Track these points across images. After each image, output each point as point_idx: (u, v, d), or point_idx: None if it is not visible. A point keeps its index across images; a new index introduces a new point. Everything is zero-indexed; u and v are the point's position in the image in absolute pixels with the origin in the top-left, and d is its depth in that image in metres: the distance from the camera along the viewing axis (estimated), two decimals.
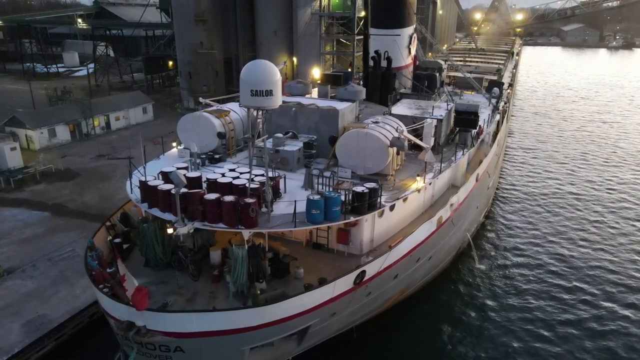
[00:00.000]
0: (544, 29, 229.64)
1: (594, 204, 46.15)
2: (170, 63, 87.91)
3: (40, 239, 35.02)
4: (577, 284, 32.04)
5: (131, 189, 21.29)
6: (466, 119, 30.26)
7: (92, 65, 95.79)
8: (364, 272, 19.74)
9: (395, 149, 23.09)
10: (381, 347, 25.76)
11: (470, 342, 26.61)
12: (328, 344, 23.40)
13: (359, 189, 19.96)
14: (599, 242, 38.34)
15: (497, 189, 47.53)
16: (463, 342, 26.56)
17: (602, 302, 30.18)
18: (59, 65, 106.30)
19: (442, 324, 27.89)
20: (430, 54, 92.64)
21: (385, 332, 26.54)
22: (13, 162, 47.16)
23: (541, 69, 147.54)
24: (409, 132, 25.92)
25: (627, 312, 29.25)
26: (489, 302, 30.04)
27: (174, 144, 27.93)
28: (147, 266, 20.97)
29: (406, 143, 22.75)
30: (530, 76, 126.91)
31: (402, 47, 37.89)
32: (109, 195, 42.95)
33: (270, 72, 17.37)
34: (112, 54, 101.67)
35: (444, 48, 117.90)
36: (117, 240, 21.62)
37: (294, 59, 76.01)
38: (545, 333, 27.28)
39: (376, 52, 35.57)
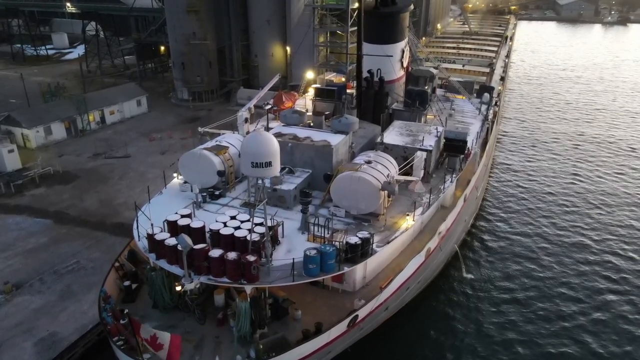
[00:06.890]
0: (539, 2, 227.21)
1: (584, 198, 48.36)
2: (162, 48, 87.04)
3: (45, 249, 35.97)
4: (564, 291, 33.80)
5: (138, 236, 22.57)
6: (455, 145, 31.41)
7: (82, 47, 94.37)
8: (356, 315, 21.48)
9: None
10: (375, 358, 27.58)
11: (460, 346, 28.72)
12: None
13: (352, 240, 21.40)
14: (585, 235, 40.78)
15: (485, 191, 48.94)
16: (453, 346, 28.71)
17: (586, 303, 32.46)
18: (48, 47, 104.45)
19: (431, 332, 29.79)
20: (424, 38, 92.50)
21: (378, 345, 28.19)
22: (12, 165, 47.79)
23: (534, 47, 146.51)
24: (399, 166, 27.28)
25: (604, 314, 31.40)
26: (477, 309, 31.91)
27: (175, 175, 29.00)
28: (155, 308, 22.58)
29: (397, 188, 24.06)
30: (524, 61, 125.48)
31: (395, 62, 38.62)
32: (109, 199, 43.89)
33: (269, 144, 18.48)
34: (102, 34, 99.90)
35: (439, 27, 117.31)
36: (127, 283, 23.09)
37: (287, 49, 75.83)
38: (528, 337, 29.38)
39: (369, 71, 36.38)
